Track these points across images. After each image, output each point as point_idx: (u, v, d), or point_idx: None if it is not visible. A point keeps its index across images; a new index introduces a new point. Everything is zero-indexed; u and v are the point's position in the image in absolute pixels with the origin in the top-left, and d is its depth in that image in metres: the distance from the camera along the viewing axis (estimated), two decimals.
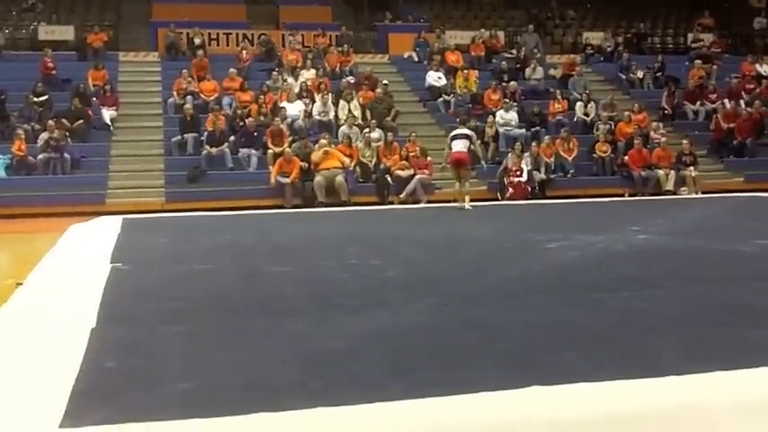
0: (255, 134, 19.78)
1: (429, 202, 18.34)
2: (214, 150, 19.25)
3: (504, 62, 24.61)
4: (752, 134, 22.09)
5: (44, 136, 18.83)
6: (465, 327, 6.20)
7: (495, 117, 21.23)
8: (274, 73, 22.49)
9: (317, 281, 8.37)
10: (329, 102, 21.28)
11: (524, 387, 4.56)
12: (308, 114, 21.01)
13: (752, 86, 24.58)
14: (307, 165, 18.68)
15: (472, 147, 16.55)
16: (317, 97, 21.38)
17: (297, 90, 21.72)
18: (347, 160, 18.98)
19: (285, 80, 22.17)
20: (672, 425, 4.15)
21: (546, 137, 20.67)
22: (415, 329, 6.08)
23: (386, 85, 22.40)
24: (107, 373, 5.08)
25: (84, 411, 4.30)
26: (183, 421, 4.17)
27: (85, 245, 11.49)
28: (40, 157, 18.55)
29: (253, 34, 25.66)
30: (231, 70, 22.29)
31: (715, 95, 23.94)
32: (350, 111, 21.02)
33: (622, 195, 19.77)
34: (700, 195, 19.41)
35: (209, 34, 25.16)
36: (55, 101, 20.70)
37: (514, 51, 26.23)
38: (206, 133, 19.67)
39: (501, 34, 27.58)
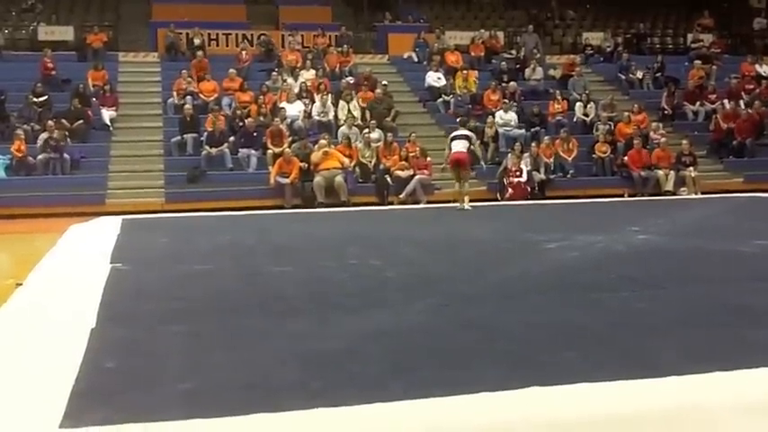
0: (255, 134, 19.78)
1: (429, 202, 18.34)
2: (214, 151, 19.25)
3: (503, 62, 24.61)
4: (751, 134, 22.09)
5: (44, 136, 18.83)
6: (465, 327, 6.20)
7: (494, 117, 21.22)
8: (274, 73, 22.49)
9: (317, 281, 8.38)
10: (329, 102, 21.28)
11: (524, 387, 4.56)
12: (308, 115, 21.01)
13: (751, 87, 24.58)
14: (306, 165, 18.68)
15: (472, 147, 16.56)
16: (317, 98, 21.38)
17: (296, 90, 21.72)
18: (347, 161, 18.98)
19: (285, 80, 22.16)
20: (672, 425, 4.15)
21: (545, 137, 20.67)
22: (414, 330, 6.08)
23: (385, 85, 22.40)
24: (107, 374, 5.08)
25: (84, 411, 4.30)
26: (183, 421, 4.17)
27: (85, 245, 11.49)
28: (40, 157, 18.54)
29: (252, 34, 25.66)
30: (231, 71, 22.28)
31: (715, 96, 23.93)
32: (349, 111, 21.02)
33: (622, 196, 19.77)
34: (699, 196, 19.41)
35: (209, 34, 25.15)
36: (54, 101, 20.69)
37: (514, 52, 26.23)
38: (206, 134, 19.67)
39: (500, 35, 27.58)
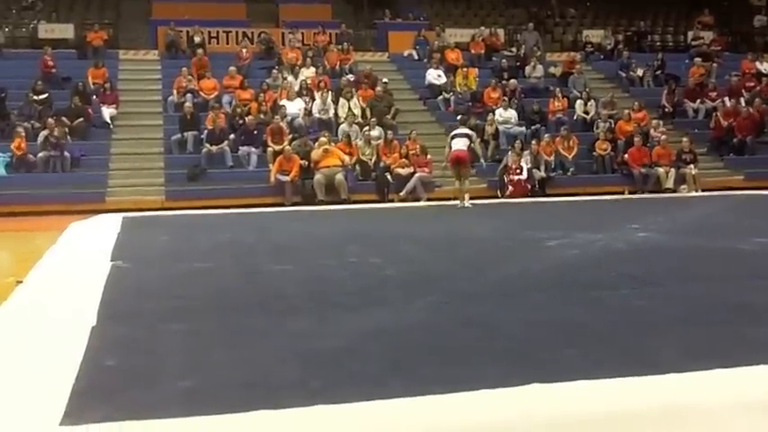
0: (255, 132, 19.77)
1: (429, 200, 18.33)
2: (214, 148, 19.25)
3: (504, 60, 24.57)
4: (752, 132, 22.08)
5: (44, 134, 18.83)
6: (465, 325, 6.21)
7: (494, 115, 21.21)
8: (274, 71, 22.47)
9: (317, 279, 8.38)
10: (329, 100, 21.27)
11: (524, 384, 4.57)
12: (308, 112, 21.00)
13: (752, 84, 24.55)
14: (306, 163, 18.67)
15: (472, 145, 16.58)
16: (317, 95, 21.37)
17: (297, 88, 21.71)
18: (347, 158, 18.97)
19: (285, 78, 22.15)
20: (672, 422, 4.16)
21: (546, 135, 20.65)
22: (414, 327, 6.08)
23: (386, 83, 22.38)
24: (107, 372, 5.09)
25: (85, 409, 4.31)
26: (183, 419, 4.17)
27: (85, 243, 11.51)
28: (40, 155, 18.54)
29: (252, 32, 25.64)
30: (231, 68, 22.26)
31: (715, 93, 23.90)
32: (350, 109, 21.01)
33: (622, 193, 19.75)
34: (700, 193, 19.41)
35: (209, 32, 25.13)
36: (55, 99, 20.69)
37: (514, 49, 26.19)
38: (206, 131, 19.65)
39: (501, 32, 27.54)
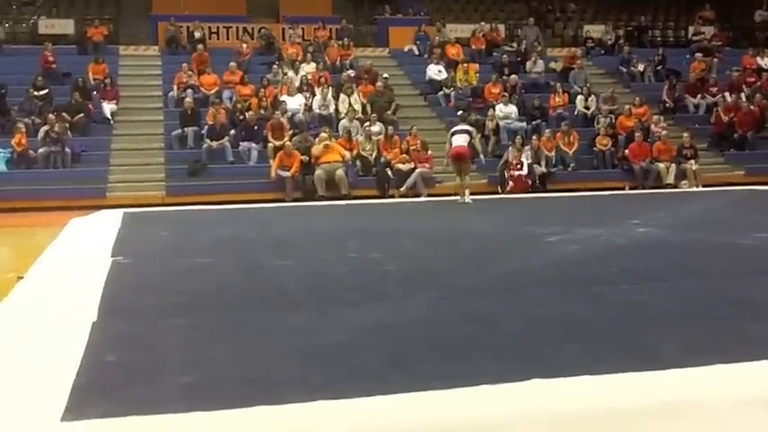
0: (256, 128, 19.77)
1: (429, 195, 18.35)
2: (214, 144, 19.26)
3: (504, 55, 24.57)
4: (752, 127, 22.09)
5: (45, 129, 18.83)
6: (465, 320, 6.20)
7: (495, 110, 21.20)
8: (274, 66, 22.49)
9: (318, 275, 8.37)
10: (329, 95, 21.28)
11: (525, 380, 4.56)
12: (309, 108, 21.01)
13: (753, 80, 24.57)
14: (307, 158, 18.68)
15: (472, 141, 16.59)
16: (318, 91, 21.37)
17: (297, 84, 21.72)
18: (347, 154, 18.97)
19: (285, 74, 22.15)
20: (673, 418, 4.15)
21: (546, 130, 20.66)
22: (415, 323, 6.08)
23: (386, 78, 22.39)
24: (108, 367, 5.08)
25: (86, 405, 4.30)
26: (183, 414, 4.17)
27: (86, 238, 11.51)
28: (41, 150, 18.55)
29: (253, 28, 25.67)
30: (231, 64, 22.27)
31: (716, 89, 23.91)
32: (350, 104, 21.02)
33: (623, 189, 19.76)
34: (700, 189, 19.41)
35: (210, 28, 25.16)
36: (55, 95, 20.70)
37: (515, 44, 26.22)
38: (206, 127, 19.67)
39: (501, 27, 27.56)
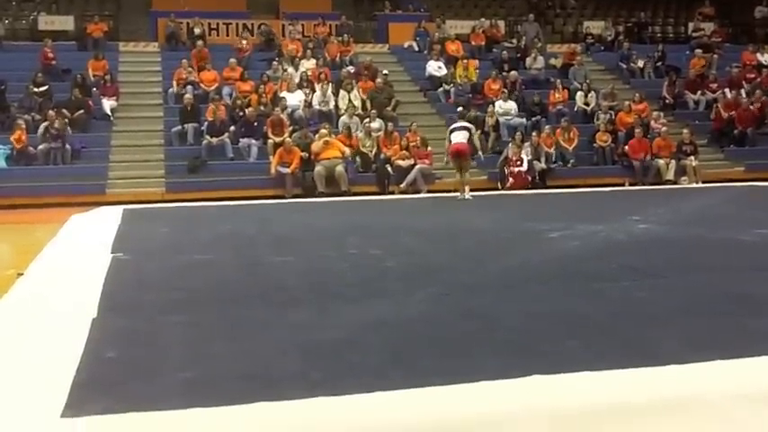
0: (256, 124, 19.76)
1: (429, 191, 18.34)
2: (214, 140, 19.25)
3: (504, 52, 24.53)
4: (752, 124, 22.08)
5: (44, 125, 18.82)
6: (465, 316, 6.20)
7: (494, 107, 21.20)
8: (274, 63, 22.46)
9: (318, 271, 8.38)
10: (329, 91, 21.26)
11: (525, 376, 4.56)
12: (308, 104, 20.99)
13: (752, 76, 24.54)
14: (307, 155, 18.67)
15: (472, 138, 16.58)
16: (317, 87, 21.36)
17: (297, 80, 21.70)
18: (347, 150, 18.96)
19: (285, 70, 22.14)
20: (673, 413, 4.15)
21: (546, 126, 20.65)
22: (415, 319, 6.08)
23: (386, 74, 22.37)
24: (108, 363, 5.09)
25: (86, 401, 4.31)
26: (183, 411, 4.17)
27: (86, 235, 11.51)
28: (41, 147, 18.54)
29: (253, 24, 25.63)
30: (231, 60, 22.25)
31: (716, 85, 23.90)
32: (350, 101, 21.00)
33: (623, 185, 19.76)
34: (700, 185, 19.41)
35: (209, 24, 25.12)
36: (55, 91, 20.68)
37: (515, 41, 26.16)
38: (206, 123, 19.65)
39: (501, 24, 27.51)
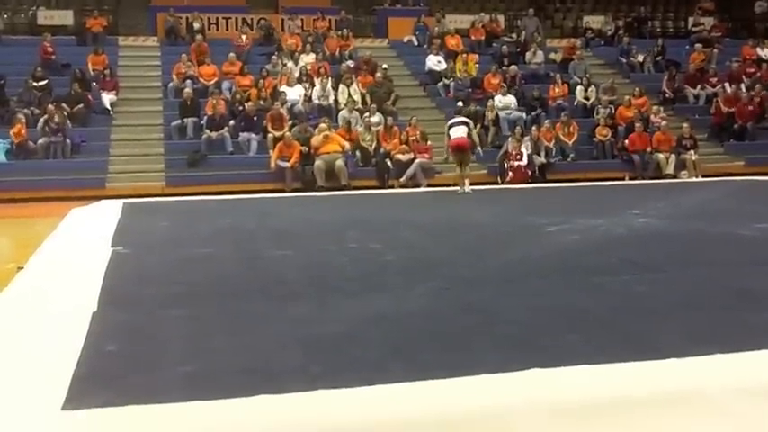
0: (255, 118, 19.76)
1: (429, 186, 18.34)
2: (214, 135, 19.24)
3: (504, 46, 24.52)
4: (752, 118, 22.08)
5: (44, 119, 18.81)
6: (465, 310, 6.20)
7: (494, 101, 21.19)
8: (274, 57, 22.45)
9: (318, 265, 8.37)
10: (329, 86, 21.26)
11: (525, 369, 4.57)
12: (308, 99, 20.99)
13: (752, 70, 24.55)
14: (307, 149, 18.67)
15: (471, 133, 16.57)
16: (317, 81, 21.35)
17: (296, 74, 21.69)
18: (347, 144, 18.96)
19: (285, 64, 22.13)
20: (673, 407, 4.16)
21: (546, 121, 20.65)
22: (415, 313, 6.08)
23: (385, 69, 22.35)
24: (108, 357, 5.09)
25: (86, 394, 4.31)
26: (183, 404, 4.18)
27: (86, 229, 11.50)
28: (41, 141, 18.54)
29: (252, 18, 25.63)
30: (231, 54, 22.22)
31: (715, 79, 23.90)
32: (349, 95, 20.99)
33: (622, 179, 19.76)
34: (700, 179, 19.41)
35: (209, 18, 25.12)
36: (54, 85, 20.67)
37: (514, 35, 26.16)
38: (206, 117, 19.65)
39: (501, 18, 27.50)
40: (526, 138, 19.62)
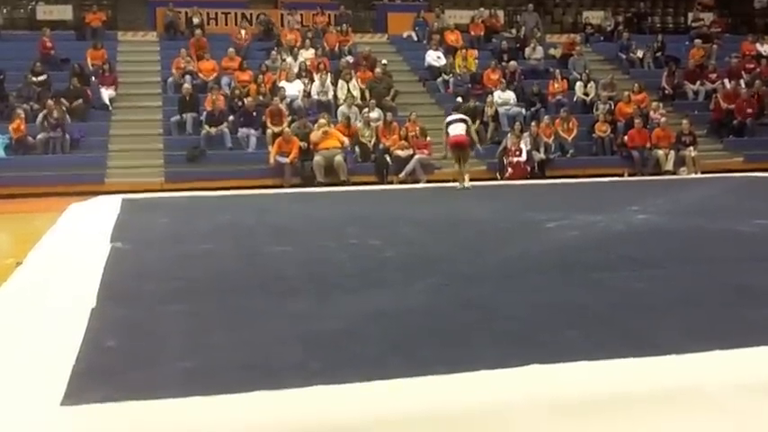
0: (254, 114, 19.75)
1: (428, 181, 18.35)
2: (213, 130, 19.23)
3: (503, 42, 24.52)
4: (751, 114, 22.07)
5: (43, 114, 18.80)
6: (465, 306, 6.20)
7: (493, 97, 21.19)
8: (273, 52, 22.44)
9: (317, 261, 8.36)
10: (328, 81, 21.25)
11: (524, 365, 4.56)
12: (307, 94, 20.99)
13: (752, 66, 24.53)
14: (306, 144, 18.67)
15: (470, 131, 16.56)
16: (316, 77, 21.35)
17: (296, 70, 21.68)
18: (346, 140, 18.95)
19: (284, 60, 22.12)
20: (672, 403, 4.16)
21: (545, 117, 20.66)
22: (414, 309, 6.07)
23: (385, 64, 22.35)
24: (107, 353, 5.08)
25: (85, 390, 4.31)
26: (183, 399, 4.17)
27: (85, 224, 11.50)
28: (40, 136, 18.54)
29: (251, 14, 25.60)
30: (230, 50, 22.23)
31: (715, 75, 23.90)
32: (349, 90, 20.99)
33: (622, 175, 19.77)
34: (699, 175, 19.41)
35: (208, 13, 25.11)
36: (54, 80, 20.67)
37: (514, 31, 26.14)
38: (205, 113, 19.64)
39: (500, 13, 27.51)
40: (525, 133, 19.63)
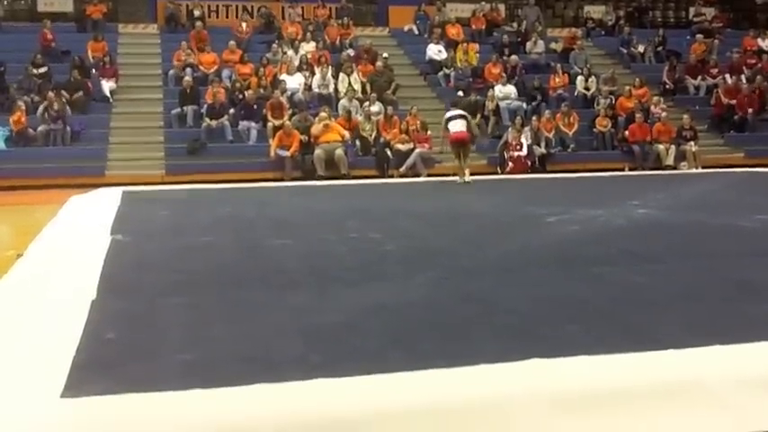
0: (255, 107, 19.74)
1: (429, 175, 18.33)
2: (214, 123, 19.23)
3: (504, 36, 24.46)
4: (753, 109, 22.04)
5: (43, 106, 18.80)
6: (465, 300, 6.20)
7: (494, 91, 21.17)
8: (274, 45, 22.42)
9: (317, 254, 8.36)
10: (329, 75, 21.23)
11: (524, 359, 4.56)
12: (308, 87, 20.97)
13: (753, 61, 24.52)
14: (306, 138, 18.66)
15: (470, 127, 16.54)
16: (317, 70, 21.32)
17: (297, 63, 21.66)
18: (347, 134, 18.94)
19: (285, 53, 22.10)
20: (672, 398, 4.16)
21: (546, 111, 20.64)
22: (414, 303, 6.07)
23: (386, 58, 22.33)
24: (107, 345, 5.08)
25: (85, 382, 4.31)
26: (183, 392, 4.17)
27: (85, 217, 11.48)
28: (40, 128, 18.54)
29: (252, 6, 25.56)
30: (231, 42, 22.20)
31: (716, 70, 23.87)
32: (350, 84, 20.97)
33: (622, 170, 19.75)
34: (700, 170, 19.41)
35: (209, 6, 25.08)
36: (54, 73, 20.65)
37: (515, 25, 26.13)
38: (206, 106, 19.64)
39: (502, 7, 27.42)
40: (526, 128, 19.62)
